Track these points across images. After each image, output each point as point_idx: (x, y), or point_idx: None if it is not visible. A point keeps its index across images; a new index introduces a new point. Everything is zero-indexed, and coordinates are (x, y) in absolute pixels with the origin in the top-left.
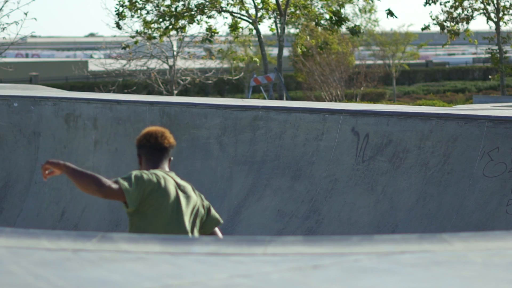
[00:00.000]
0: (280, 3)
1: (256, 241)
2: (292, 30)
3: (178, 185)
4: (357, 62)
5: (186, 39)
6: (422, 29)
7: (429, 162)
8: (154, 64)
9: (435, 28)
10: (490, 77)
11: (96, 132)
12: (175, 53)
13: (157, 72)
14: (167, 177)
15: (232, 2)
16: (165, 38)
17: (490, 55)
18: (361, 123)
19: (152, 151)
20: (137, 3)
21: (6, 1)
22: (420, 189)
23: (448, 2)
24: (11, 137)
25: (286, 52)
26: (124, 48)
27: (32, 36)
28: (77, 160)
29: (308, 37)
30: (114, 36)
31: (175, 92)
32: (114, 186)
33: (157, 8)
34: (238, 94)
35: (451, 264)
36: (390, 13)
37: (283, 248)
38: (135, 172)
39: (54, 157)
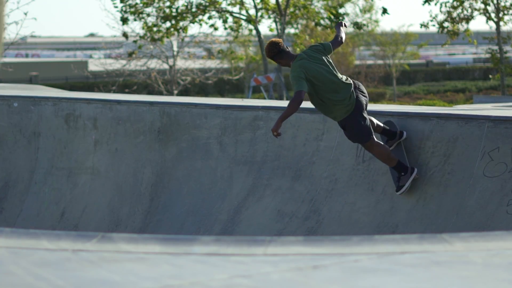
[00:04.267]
0: (280, 3)
1: (256, 241)
2: (292, 30)
3: (309, 56)
4: (358, 62)
5: (186, 39)
6: (421, 25)
7: (429, 162)
8: (154, 64)
9: (435, 28)
10: (490, 76)
11: (96, 132)
12: (175, 53)
13: (157, 72)
14: (304, 56)
15: (233, 2)
16: (165, 39)
17: (490, 55)
18: None
19: (286, 48)
20: (137, 5)
21: (6, 1)
22: (421, 189)
23: (448, 1)
24: (11, 137)
25: None
26: (130, 55)
27: (32, 36)
28: (77, 160)
29: (307, 37)
30: (114, 36)
31: (175, 92)
32: (299, 95)
33: (158, 10)
34: (238, 94)
35: (451, 264)
36: (384, 10)
37: (283, 248)
38: (295, 73)
39: (54, 157)
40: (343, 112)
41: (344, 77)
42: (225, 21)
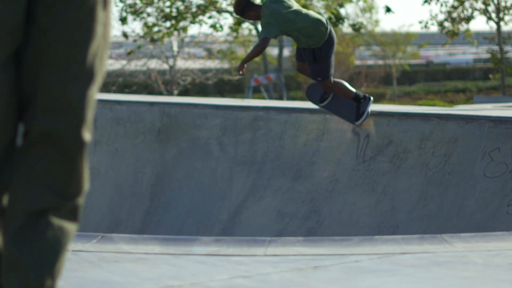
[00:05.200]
0: None
1: (256, 241)
2: None
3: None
4: (358, 62)
5: (186, 39)
6: (420, 23)
7: (429, 162)
8: (154, 64)
9: (435, 28)
10: (490, 77)
11: (96, 132)
12: (175, 53)
13: (157, 72)
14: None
15: (233, 2)
16: (165, 39)
17: (490, 55)
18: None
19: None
20: (136, 5)
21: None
22: (421, 190)
23: (448, 1)
24: None
25: (286, 52)
26: (129, 53)
27: None
28: None
29: None
30: (114, 36)
31: (175, 92)
32: (265, 41)
33: (158, 10)
34: (239, 94)
35: (451, 265)
36: (387, 9)
37: (283, 249)
38: (265, 19)
39: None
40: (323, 34)
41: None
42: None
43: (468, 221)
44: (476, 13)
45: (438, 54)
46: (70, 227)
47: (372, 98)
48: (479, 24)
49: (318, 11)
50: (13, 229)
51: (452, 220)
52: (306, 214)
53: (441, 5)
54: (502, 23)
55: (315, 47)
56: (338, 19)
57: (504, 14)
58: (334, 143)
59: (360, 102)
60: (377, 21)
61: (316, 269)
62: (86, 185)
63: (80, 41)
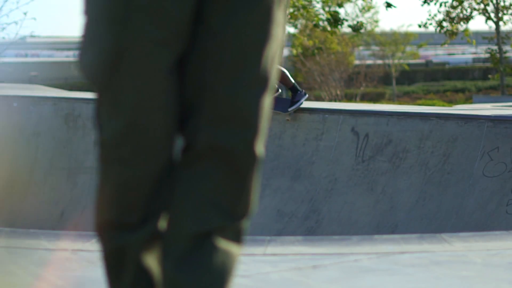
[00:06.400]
0: None
1: (255, 241)
2: (292, 30)
3: None
4: (357, 62)
5: None
6: (419, 26)
7: (429, 162)
8: None
9: (433, 27)
10: (490, 76)
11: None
12: None
13: None
14: None
15: None
16: None
17: (489, 55)
18: (361, 123)
19: None
20: None
21: (5, 1)
22: (420, 189)
23: (447, 1)
24: (11, 137)
25: (286, 52)
26: None
27: (32, 36)
28: (77, 160)
29: (306, 38)
30: None
31: None
32: None
33: None
34: None
35: (451, 264)
36: (388, 5)
37: (282, 248)
38: None
39: (54, 157)
40: None
41: None
42: None
43: (467, 221)
44: (475, 12)
45: (437, 54)
46: (236, 250)
47: (307, 95)
48: (478, 23)
49: (316, 12)
50: (176, 253)
51: (451, 220)
52: (306, 213)
53: (440, 5)
54: (501, 23)
55: None
56: (336, 21)
57: (503, 13)
58: (333, 143)
59: (296, 93)
60: (376, 21)
61: (315, 268)
62: (255, 205)
63: (255, 44)
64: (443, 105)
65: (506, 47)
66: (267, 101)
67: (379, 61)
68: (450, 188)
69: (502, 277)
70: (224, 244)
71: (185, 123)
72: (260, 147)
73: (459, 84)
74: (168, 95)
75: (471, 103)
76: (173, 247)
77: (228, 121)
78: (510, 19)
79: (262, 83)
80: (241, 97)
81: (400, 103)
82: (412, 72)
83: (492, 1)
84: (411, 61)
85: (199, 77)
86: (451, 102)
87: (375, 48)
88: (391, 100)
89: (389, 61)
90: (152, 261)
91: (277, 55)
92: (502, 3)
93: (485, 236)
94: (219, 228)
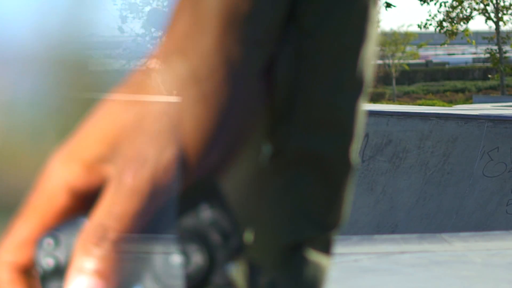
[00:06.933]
0: None
1: None
2: None
3: None
4: None
5: None
6: (419, 27)
7: (429, 162)
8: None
9: (433, 27)
10: (489, 76)
11: None
12: None
13: None
14: None
15: None
16: None
17: (489, 55)
18: None
19: None
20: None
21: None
22: (420, 189)
23: (447, 1)
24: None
25: None
26: None
27: None
28: None
29: None
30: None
31: None
32: None
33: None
34: None
35: (451, 264)
36: (388, 5)
37: None
38: None
39: None
40: None
41: None
42: None
43: (467, 221)
44: (475, 12)
45: (437, 54)
46: (326, 262)
47: None
48: (478, 23)
49: None
50: (265, 267)
51: (451, 220)
52: None
53: (440, 5)
54: (501, 23)
55: None
56: None
57: (503, 13)
58: None
59: None
60: (376, 21)
61: None
62: (346, 215)
63: (352, 45)
64: (443, 105)
65: (506, 47)
66: (362, 105)
67: (379, 61)
68: (450, 188)
69: (502, 277)
70: (315, 256)
71: (274, 129)
72: (355, 154)
73: (459, 84)
74: (260, 99)
75: (471, 103)
76: (262, 260)
77: (322, 126)
78: (510, 19)
79: (357, 85)
80: (336, 100)
81: (400, 103)
82: (412, 72)
83: (492, 1)
84: (411, 61)
85: (289, 79)
86: (451, 102)
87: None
88: (391, 100)
89: (389, 61)
90: (236, 275)
91: (372, 56)
92: (502, 3)
93: (485, 236)
94: (309, 239)
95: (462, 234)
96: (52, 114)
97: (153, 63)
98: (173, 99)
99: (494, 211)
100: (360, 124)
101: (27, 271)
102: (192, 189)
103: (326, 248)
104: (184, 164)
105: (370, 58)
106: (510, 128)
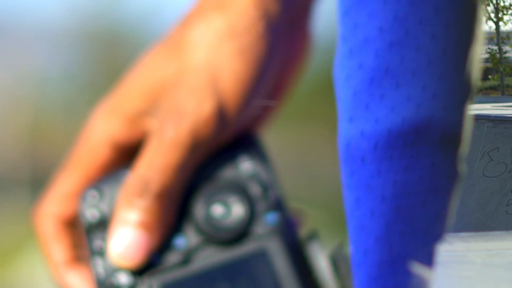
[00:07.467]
0: None
1: None
2: None
3: None
4: None
5: None
6: None
7: None
8: None
9: None
10: (489, 77)
11: None
12: None
13: None
14: None
15: None
16: None
17: (489, 55)
18: None
19: None
20: None
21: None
22: None
23: None
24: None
25: None
26: None
27: None
28: None
29: None
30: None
31: None
32: None
33: None
34: None
35: (451, 264)
36: None
37: None
38: None
39: None
40: None
41: None
42: None
43: (467, 221)
44: None
45: None
46: (428, 274)
47: None
48: None
49: None
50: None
51: (451, 220)
52: None
53: None
54: (501, 23)
55: None
56: None
57: (503, 14)
58: None
59: None
60: None
61: None
62: (450, 226)
63: (461, 46)
64: None
65: (506, 47)
66: (469, 110)
67: None
68: None
69: (502, 277)
70: (417, 269)
71: None
72: (462, 162)
73: None
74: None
75: (470, 103)
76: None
77: None
78: (510, 19)
79: (466, 89)
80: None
81: None
82: None
83: (492, 1)
84: None
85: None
86: None
87: None
88: None
89: None
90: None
91: (478, 57)
92: (502, 3)
93: (485, 236)
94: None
95: (462, 234)
96: (84, 88)
97: (192, 18)
98: (212, 53)
99: (494, 211)
100: (467, 129)
101: (72, 223)
102: (232, 142)
103: (429, 260)
104: (223, 117)
105: (477, 60)
106: (510, 128)
